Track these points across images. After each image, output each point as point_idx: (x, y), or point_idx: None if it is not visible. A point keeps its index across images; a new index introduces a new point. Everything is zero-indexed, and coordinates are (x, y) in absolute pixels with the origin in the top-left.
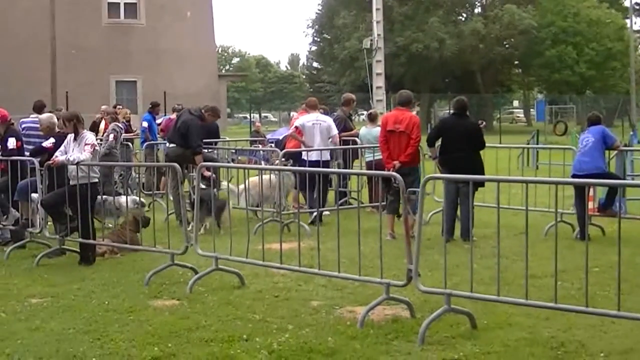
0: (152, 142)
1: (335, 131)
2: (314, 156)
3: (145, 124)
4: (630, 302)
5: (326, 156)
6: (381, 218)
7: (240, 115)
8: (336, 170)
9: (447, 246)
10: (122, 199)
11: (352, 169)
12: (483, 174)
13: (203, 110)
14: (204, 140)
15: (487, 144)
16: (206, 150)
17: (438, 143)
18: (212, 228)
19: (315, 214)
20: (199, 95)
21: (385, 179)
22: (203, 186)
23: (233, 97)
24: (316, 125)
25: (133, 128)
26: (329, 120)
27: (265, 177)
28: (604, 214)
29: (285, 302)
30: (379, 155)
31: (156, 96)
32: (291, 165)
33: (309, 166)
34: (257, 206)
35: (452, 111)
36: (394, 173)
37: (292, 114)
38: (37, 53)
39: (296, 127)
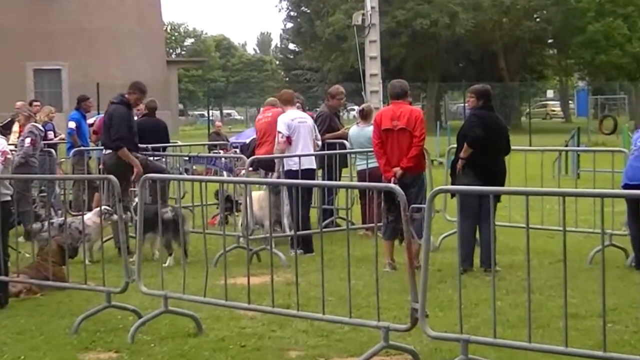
0: (82, 147)
1: (317, 132)
2: (309, 163)
3: (72, 125)
4: None
5: (313, 163)
6: (377, 243)
7: (196, 112)
8: (319, 182)
9: (463, 278)
10: (88, 217)
11: (339, 179)
12: (502, 183)
13: (125, 94)
14: (150, 145)
15: (513, 146)
16: (151, 158)
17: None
18: (160, 258)
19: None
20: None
21: (383, 193)
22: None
23: (186, 89)
24: (301, 124)
25: (57, 130)
26: (309, 120)
27: (257, 193)
28: None
29: (256, 354)
30: (374, 162)
31: (87, 88)
32: (263, 177)
33: (294, 177)
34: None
35: (480, 103)
36: (394, 185)
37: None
38: None
39: (288, 138)
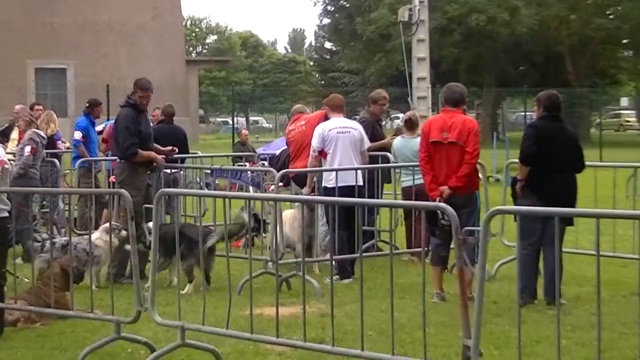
0: (90, 158)
1: (366, 145)
2: (348, 179)
3: (78, 136)
4: None
5: (360, 180)
6: (425, 270)
7: (219, 119)
8: (358, 200)
9: (522, 312)
10: (96, 236)
11: (381, 197)
12: (571, 204)
13: (131, 95)
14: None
15: None
16: (168, 171)
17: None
18: (179, 284)
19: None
20: (159, 89)
21: (431, 213)
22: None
23: (208, 93)
24: (342, 134)
25: (61, 138)
26: (359, 129)
27: (289, 211)
28: None
29: None
30: (421, 178)
31: (95, 91)
32: (298, 194)
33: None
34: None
35: (542, 112)
36: (442, 204)
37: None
38: None
39: (319, 152)
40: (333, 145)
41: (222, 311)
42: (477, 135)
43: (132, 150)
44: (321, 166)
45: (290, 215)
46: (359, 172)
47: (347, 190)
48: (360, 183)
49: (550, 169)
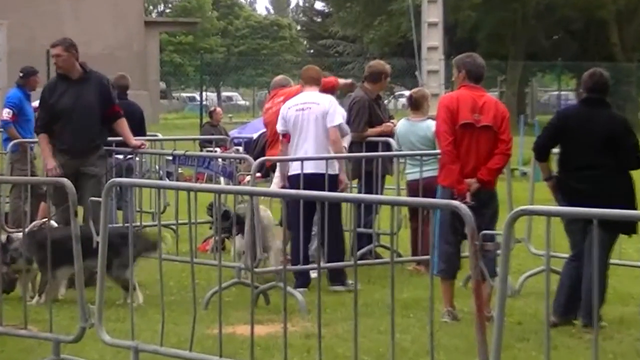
0: (25, 140)
1: (337, 120)
2: (310, 167)
3: (7, 114)
4: None
5: (333, 167)
6: (433, 282)
7: (184, 94)
8: (353, 196)
9: (552, 335)
10: None
11: (381, 192)
12: (635, 207)
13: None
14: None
15: None
16: (121, 157)
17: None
18: (132, 297)
19: (315, 273)
20: (111, 56)
21: (451, 214)
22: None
23: (171, 62)
24: (301, 112)
25: None
26: (324, 102)
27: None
28: None
29: None
30: (430, 170)
31: (32, 57)
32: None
33: (298, 183)
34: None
35: (582, 95)
36: (455, 202)
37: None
38: None
39: (284, 135)
40: (291, 125)
41: (185, 329)
42: (509, 120)
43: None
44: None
45: (268, 213)
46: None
47: (312, 180)
48: (329, 171)
49: (577, 164)
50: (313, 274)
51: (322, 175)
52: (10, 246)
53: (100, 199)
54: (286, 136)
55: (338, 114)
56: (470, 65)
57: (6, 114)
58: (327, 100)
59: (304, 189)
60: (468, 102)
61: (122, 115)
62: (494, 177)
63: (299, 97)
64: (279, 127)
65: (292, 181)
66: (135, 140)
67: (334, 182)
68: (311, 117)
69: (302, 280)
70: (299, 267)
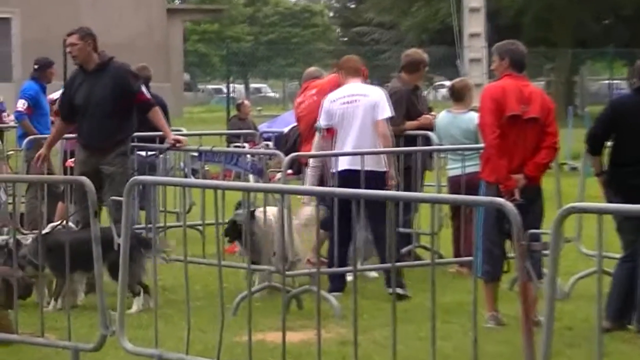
0: (40, 135)
1: (387, 112)
2: (346, 163)
3: (22, 103)
4: None
5: (380, 164)
6: (477, 285)
7: (210, 86)
8: (390, 193)
9: (605, 341)
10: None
11: (421, 190)
12: None
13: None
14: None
15: None
16: (143, 154)
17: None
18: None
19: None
20: (131, 46)
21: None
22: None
23: (196, 52)
24: (349, 105)
25: (6, 110)
26: (373, 94)
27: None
28: None
29: None
30: (473, 165)
31: (48, 48)
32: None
33: (340, 181)
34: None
35: (635, 84)
36: (499, 199)
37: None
38: None
39: (328, 131)
40: (337, 121)
41: (212, 336)
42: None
43: None
44: (332, 148)
45: (302, 213)
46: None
47: (349, 178)
48: (376, 167)
49: (632, 157)
50: (349, 277)
51: (367, 172)
52: (18, 253)
53: (121, 199)
54: (330, 131)
55: (388, 106)
56: (514, 53)
57: (21, 105)
58: (376, 91)
59: (348, 187)
60: (515, 92)
61: (154, 103)
62: (541, 173)
63: (344, 89)
64: (323, 122)
65: (336, 178)
66: (172, 135)
67: (381, 179)
68: (358, 110)
69: (337, 283)
70: (333, 269)
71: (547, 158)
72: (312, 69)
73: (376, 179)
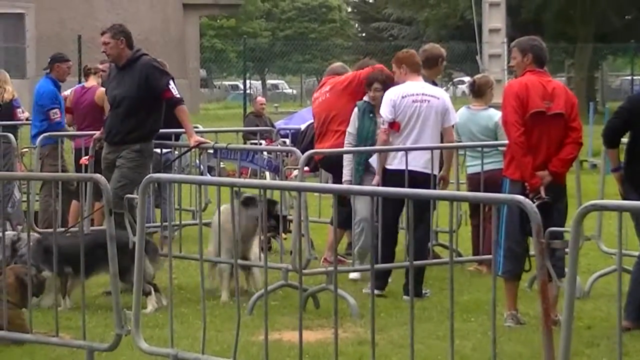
0: (56, 131)
1: (454, 118)
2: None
3: (54, 112)
4: None
5: (427, 165)
6: (496, 284)
7: (226, 82)
8: (409, 190)
9: (625, 341)
10: None
11: (440, 187)
12: None
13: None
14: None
15: None
16: (158, 151)
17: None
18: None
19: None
20: (147, 41)
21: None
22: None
23: (212, 48)
24: (420, 104)
25: (21, 106)
26: (444, 97)
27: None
28: None
29: None
30: (493, 162)
31: (62, 43)
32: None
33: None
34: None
35: None
36: (519, 197)
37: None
38: None
39: (392, 123)
40: (407, 117)
41: (229, 336)
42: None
43: None
44: (391, 143)
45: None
46: (435, 155)
47: (416, 179)
48: (430, 170)
49: None
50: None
51: (425, 174)
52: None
53: (136, 197)
54: (395, 125)
55: (452, 113)
56: (537, 49)
57: (53, 114)
58: (445, 95)
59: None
60: (538, 88)
61: (181, 100)
62: (567, 169)
63: (412, 86)
64: (387, 115)
65: (388, 177)
66: (196, 136)
67: (427, 182)
68: (431, 112)
69: (380, 282)
70: (351, 267)
71: (572, 153)
72: (337, 64)
73: (428, 182)
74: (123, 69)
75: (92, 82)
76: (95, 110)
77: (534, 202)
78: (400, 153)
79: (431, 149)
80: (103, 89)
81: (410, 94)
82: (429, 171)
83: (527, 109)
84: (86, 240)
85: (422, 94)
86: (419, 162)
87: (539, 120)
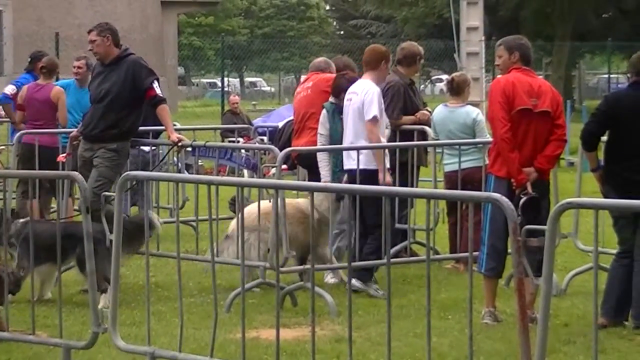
0: (32, 131)
1: (370, 112)
2: (349, 162)
3: (11, 88)
4: None
5: (371, 161)
6: (473, 282)
7: (205, 80)
8: (387, 188)
9: (601, 338)
10: None
11: (416, 185)
12: None
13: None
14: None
15: None
16: (146, 149)
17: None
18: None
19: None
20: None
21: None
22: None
23: (190, 46)
24: (348, 103)
25: None
26: (361, 92)
27: (294, 201)
28: None
29: None
30: (470, 160)
31: (41, 41)
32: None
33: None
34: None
35: (630, 79)
36: (495, 194)
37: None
38: None
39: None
40: (345, 117)
41: (206, 333)
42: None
43: None
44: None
45: (294, 207)
46: (363, 152)
47: (370, 176)
48: (367, 166)
49: (629, 153)
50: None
51: (362, 170)
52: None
53: (113, 194)
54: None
55: (373, 106)
56: (524, 48)
57: (10, 89)
58: (369, 90)
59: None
60: (525, 86)
61: (163, 99)
62: (552, 165)
63: (353, 85)
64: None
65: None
66: (176, 133)
67: (372, 178)
68: (350, 109)
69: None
70: (328, 265)
71: (557, 150)
72: (320, 59)
73: (368, 177)
74: (109, 66)
75: (48, 80)
76: (50, 107)
77: (521, 198)
78: (346, 153)
79: (408, 146)
80: (60, 87)
81: (348, 93)
82: (372, 167)
83: (514, 106)
84: (52, 229)
85: (350, 92)
86: (361, 160)
87: (525, 117)
